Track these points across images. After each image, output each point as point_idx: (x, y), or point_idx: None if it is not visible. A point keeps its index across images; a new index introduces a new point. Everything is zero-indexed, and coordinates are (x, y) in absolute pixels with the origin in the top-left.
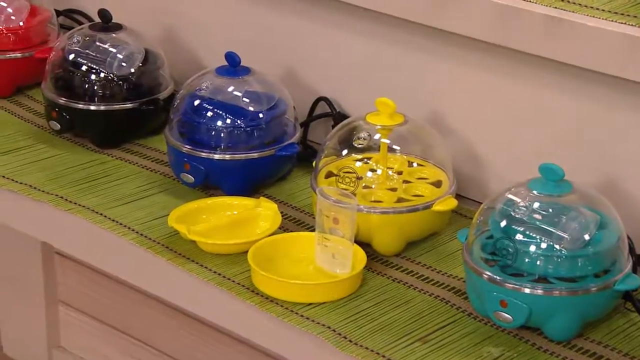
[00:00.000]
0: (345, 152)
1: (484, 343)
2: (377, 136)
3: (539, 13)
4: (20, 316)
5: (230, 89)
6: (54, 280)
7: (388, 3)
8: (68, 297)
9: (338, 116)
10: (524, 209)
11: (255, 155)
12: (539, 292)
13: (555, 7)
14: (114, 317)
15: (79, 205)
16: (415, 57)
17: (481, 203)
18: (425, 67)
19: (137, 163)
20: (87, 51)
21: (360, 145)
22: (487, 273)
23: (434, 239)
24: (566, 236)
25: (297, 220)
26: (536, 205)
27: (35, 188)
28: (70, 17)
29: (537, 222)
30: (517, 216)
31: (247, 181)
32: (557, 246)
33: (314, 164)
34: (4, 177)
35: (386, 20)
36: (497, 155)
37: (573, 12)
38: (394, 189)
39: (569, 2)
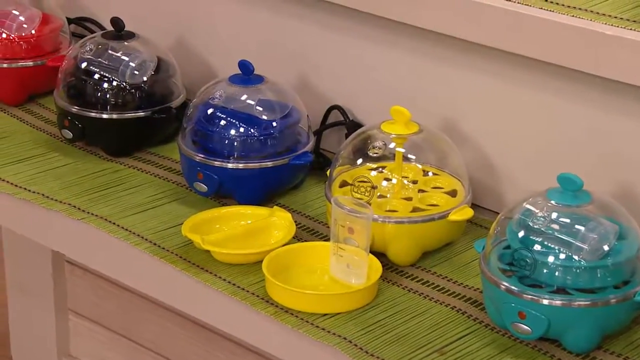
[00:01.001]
0: (359, 161)
1: (502, 355)
2: (392, 145)
3: (553, 21)
4: (30, 324)
5: (244, 97)
6: (63, 288)
7: (402, 11)
8: (78, 306)
9: (351, 125)
10: (542, 219)
11: (269, 164)
12: (558, 303)
13: (572, 15)
14: (124, 325)
15: (92, 214)
16: (428, 65)
17: (496, 212)
18: (439, 75)
19: (149, 172)
20: (99, 59)
21: (375, 155)
22: (505, 284)
23: (450, 249)
24: (585, 247)
25: (311, 229)
26: (554, 215)
27: (48, 197)
28: (82, 25)
29: (556, 233)
30: (535, 226)
31: (261, 190)
32: (576, 257)
33: (328, 173)
34: (16, 185)
35: (399, 28)
36: (512, 164)
37: (591, 20)
38: (409, 199)
39: (586, 10)
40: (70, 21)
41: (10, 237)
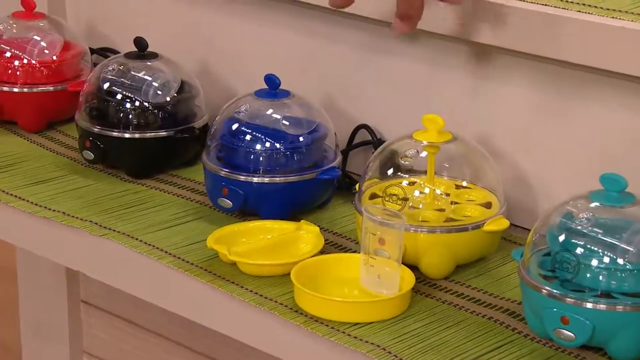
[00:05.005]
0: (390, 172)
1: None
2: (424, 154)
3: (590, 22)
4: None
5: (270, 111)
6: (79, 329)
7: (429, 21)
8: (93, 347)
9: (379, 144)
10: (585, 220)
11: (295, 178)
12: (603, 307)
13: (620, 18)
14: None
15: (114, 230)
16: (459, 82)
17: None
18: (471, 92)
19: (171, 192)
20: (122, 79)
21: (406, 162)
22: (547, 288)
23: (484, 264)
24: (631, 249)
25: (339, 245)
26: (598, 217)
27: (68, 215)
28: (104, 55)
29: (599, 235)
30: (577, 228)
31: (287, 206)
32: (620, 260)
33: (357, 186)
34: (36, 204)
35: (427, 43)
36: (548, 180)
37: (632, 21)
38: (441, 210)
39: (626, 12)
40: (92, 51)
41: (26, 276)
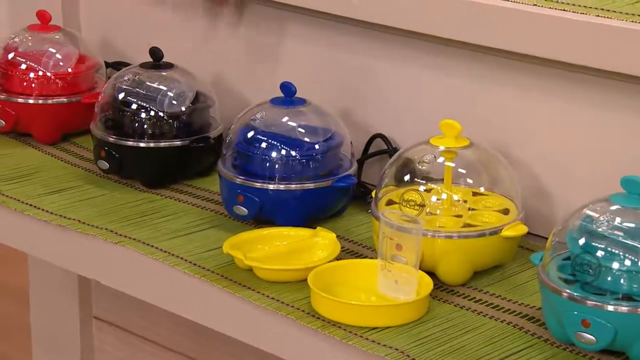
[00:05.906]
0: (407, 178)
1: None
2: (441, 159)
3: (612, 26)
4: None
5: (285, 119)
6: (90, 345)
7: (445, 27)
8: None
9: (394, 152)
10: (606, 222)
11: (311, 185)
12: (625, 309)
13: (632, 21)
14: None
15: (129, 238)
16: (475, 89)
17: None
18: (484, 98)
19: (186, 201)
20: (137, 89)
21: (423, 168)
22: (567, 291)
23: (502, 271)
24: None
25: (355, 252)
26: (619, 219)
27: (84, 223)
28: (119, 69)
29: (620, 237)
30: (598, 230)
31: (302, 213)
32: None
33: (373, 193)
34: (51, 213)
35: (445, 50)
36: (564, 186)
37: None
38: (459, 216)
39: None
40: (107, 65)
41: (38, 293)
